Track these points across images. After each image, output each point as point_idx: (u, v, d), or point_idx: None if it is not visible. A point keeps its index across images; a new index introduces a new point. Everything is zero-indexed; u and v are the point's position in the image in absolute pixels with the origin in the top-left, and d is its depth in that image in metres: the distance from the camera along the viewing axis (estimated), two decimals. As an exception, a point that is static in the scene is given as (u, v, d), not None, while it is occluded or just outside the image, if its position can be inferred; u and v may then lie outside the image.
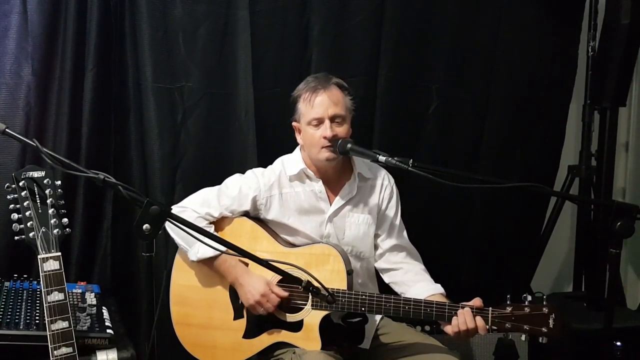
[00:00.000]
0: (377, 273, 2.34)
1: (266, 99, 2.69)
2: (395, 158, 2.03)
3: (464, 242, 3.04)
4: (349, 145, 2.13)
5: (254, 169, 2.30)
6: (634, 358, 2.67)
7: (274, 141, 2.65)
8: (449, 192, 2.89)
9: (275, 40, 2.70)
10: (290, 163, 2.26)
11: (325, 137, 2.12)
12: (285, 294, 2.09)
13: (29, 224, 1.71)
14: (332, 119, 2.14)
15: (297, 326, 2.11)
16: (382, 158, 2.05)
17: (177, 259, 2.27)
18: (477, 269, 3.05)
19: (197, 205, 2.22)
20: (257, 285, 2.10)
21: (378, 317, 2.28)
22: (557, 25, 3.03)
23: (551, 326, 1.91)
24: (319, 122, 2.14)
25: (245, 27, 2.63)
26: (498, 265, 3.10)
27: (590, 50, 2.98)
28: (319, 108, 2.14)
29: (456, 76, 2.92)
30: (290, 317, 2.12)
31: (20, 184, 1.73)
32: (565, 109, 3.13)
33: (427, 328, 2.58)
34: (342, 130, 2.15)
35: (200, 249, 2.14)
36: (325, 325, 2.08)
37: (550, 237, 3.11)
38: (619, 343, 2.61)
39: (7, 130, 1.71)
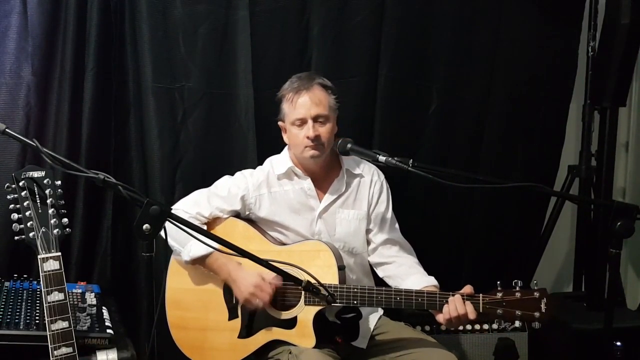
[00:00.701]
0: (372, 269, 2.35)
1: (266, 99, 2.68)
2: (395, 158, 2.03)
3: (464, 242, 3.04)
4: (349, 146, 2.14)
5: (243, 171, 2.33)
6: (634, 358, 2.67)
7: (274, 141, 2.64)
8: (449, 192, 2.90)
9: (275, 40, 2.70)
10: (278, 162, 2.29)
11: (308, 137, 2.15)
12: (278, 282, 2.09)
13: (29, 224, 1.71)
14: (315, 119, 2.16)
15: (291, 323, 2.11)
16: (382, 158, 2.05)
17: (172, 262, 2.28)
18: (477, 269, 3.05)
19: (188, 206, 2.24)
20: (250, 277, 2.11)
21: (376, 317, 2.29)
22: (557, 26, 3.03)
23: (543, 310, 1.92)
24: (302, 122, 2.17)
25: (245, 27, 2.63)
26: (498, 265, 3.09)
27: (590, 50, 2.98)
28: (301, 109, 2.16)
29: (456, 76, 2.92)
30: (284, 314, 2.12)
31: (20, 184, 1.73)
32: (565, 109, 3.12)
33: (427, 328, 2.58)
34: (325, 130, 2.17)
35: (192, 248, 2.15)
36: (319, 322, 2.08)
37: (550, 237, 3.10)
38: (619, 343, 2.61)
39: (7, 130, 1.71)
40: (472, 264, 3.04)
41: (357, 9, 2.75)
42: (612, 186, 2.98)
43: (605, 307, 2.23)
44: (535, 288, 1.95)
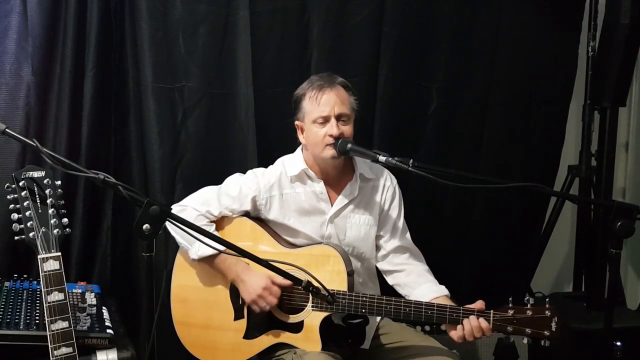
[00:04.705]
0: (378, 273, 2.34)
1: (266, 99, 2.69)
2: (396, 158, 2.03)
3: (464, 242, 3.04)
4: (349, 146, 2.13)
5: (255, 169, 2.30)
6: (634, 358, 2.67)
7: (274, 141, 2.65)
8: (449, 192, 2.90)
9: (275, 40, 2.70)
10: (291, 163, 2.26)
11: (331, 135, 2.12)
12: (287, 282, 2.04)
13: (29, 224, 1.71)
14: (338, 118, 2.14)
15: (297, 327, 2.10)
16: (382, 158, 2.05)
17: (178, 258, 2.27)
18: (477, 269, 3.05)
19: (198, 204, 2.22)
20: (259, 279, 2.10)
21: (378, 318, 2.28)
22: (557, 25, 3.03)
23: (553, 329, 1.91)
24: (325, 120, 2.13)
25: (245, 27, 2.63)
26: (498, 265, 3.10)
27: (590, 50, 2.98)
28: (325, 106, 2.13)
29: (456, 76, 2.92)
30: (291, 318, 2.11)
31: (20, 184, 1.73)
32: (565, 109, 3.13)
33: (427, 328, 2.58)
34: (347, 129, 2.15)
35: (201, 248, 2.13)
36: (325, 327, 2.08)
37: (550, 237, 3.11)
38: (619, 343, 2.61)
39: (7, 130, 1.71)
40: (472, 264, 3.05)
41: (357, 9, 2.75)
42: (612, 186, 2.98)
43: (606, 307, 2.22)
44: (547, 306, 1.93)
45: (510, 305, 1.95)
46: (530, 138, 3.07)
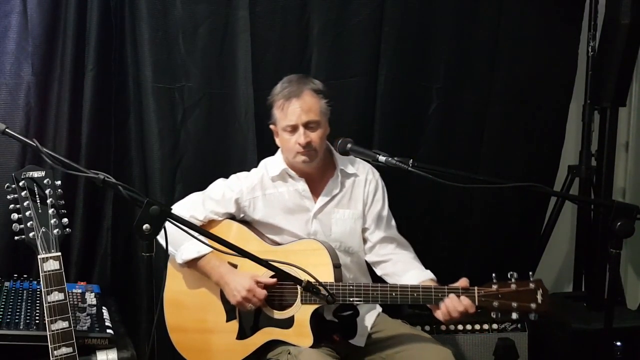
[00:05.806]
0: (369, 268, 2.35)
1: (266, 99, 2.68)
2: (395, 158, 2.04)
3: (464, 242, 3.04)
4: (349, 146, 2.15)
5: (238, 173, 2.34)
6: (634, 358, 2.67)
7: (273, 141, 2.64)
8: (449, 192, 2.90)
9: (275, 40, 2.70)
10: (272, 164, 2.30)
11: (299, 144, 2.15)
12: (271, 281, 2.09)
13: (29, 224, 1.71)
14: (306, 125, 2.16)
15: (288, 323, 2.11)
16: (382, 158, 2.06)
17: (169, 266, 2.28)
18: (477, 269, 3.03)
19: (183, 210, 2.24)
20: (242, 281, 2.11)
21: (374, 316, 2.29)
22: (557, 25, 3.03)
23: (539, 301, 1.91)
24: (293, 129, 2.17)
25: (245, 27, 2.63)
26: (498, 265, 3.08)
27: (590, 50, 2.97)
28: (292, 116, 2.16)
29: (456, 76, 2.92)
30: (281, 314, 2.12)
31: (20, 184, 1.73)
32: (565, 109, 3.12)
33: (428, 328, 2.58)
34: (316, 135, 2.18)
35: (184, 252, 2.15)
36: (316, 320, 2.08)
37: (550, 237, 3.11)
38: (619, 343, 2.61)
39: (7, 130, 1.71)
40: (471, 264, 3.04)
41: (357, 9, 2.75)
42: (612, 186, 2.98)
43: (605, 307, 2.22)
44: (531, 279, 1.93)
45: (494, 281, 1.95)
46: (530, 138, 3.07)
